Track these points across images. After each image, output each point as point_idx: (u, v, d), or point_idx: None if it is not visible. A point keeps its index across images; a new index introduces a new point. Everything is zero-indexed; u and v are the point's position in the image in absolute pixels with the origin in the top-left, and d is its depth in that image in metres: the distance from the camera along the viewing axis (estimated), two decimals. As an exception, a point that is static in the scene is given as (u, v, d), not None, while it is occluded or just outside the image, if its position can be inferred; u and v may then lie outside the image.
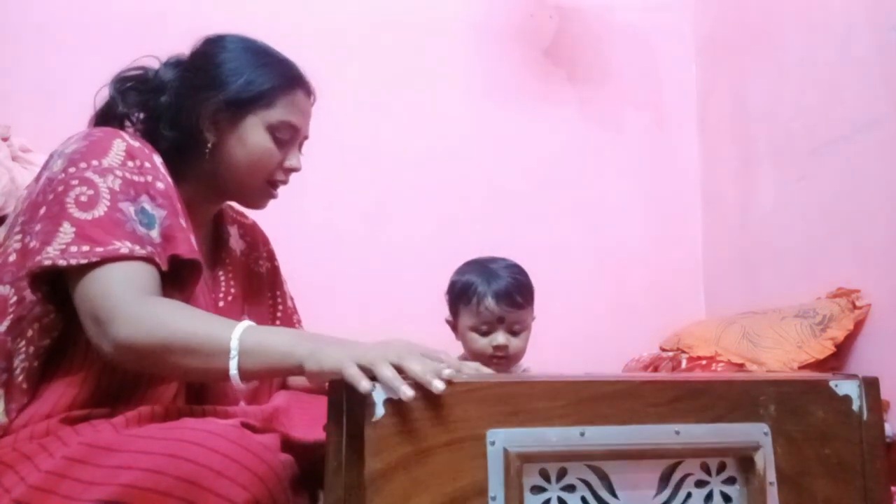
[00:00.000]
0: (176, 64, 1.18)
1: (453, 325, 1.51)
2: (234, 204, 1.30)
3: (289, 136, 1.17)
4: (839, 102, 1.87)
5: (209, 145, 1.13)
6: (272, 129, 1.14)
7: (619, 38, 2.46)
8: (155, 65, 1.19)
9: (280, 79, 1.16)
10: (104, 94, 1.16)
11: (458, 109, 2.26)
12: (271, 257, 1.36)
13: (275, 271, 1.35)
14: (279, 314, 1.33)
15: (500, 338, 1.42)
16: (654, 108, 2.47)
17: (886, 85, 1.73)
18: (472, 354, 1.44)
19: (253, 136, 1.13)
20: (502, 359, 1.44)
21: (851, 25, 1.84)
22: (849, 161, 1.83)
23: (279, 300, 1.34)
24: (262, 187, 1.17)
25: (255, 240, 1.34)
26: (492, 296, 1.42)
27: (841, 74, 1.87)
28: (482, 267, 1.48)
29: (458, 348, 1.53)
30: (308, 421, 1.04)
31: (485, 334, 1.43)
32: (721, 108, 2.38)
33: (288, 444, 0.95)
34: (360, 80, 2.16)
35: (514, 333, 1.44)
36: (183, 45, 1.20)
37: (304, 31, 2.06)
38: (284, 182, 1.20)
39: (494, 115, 2.29)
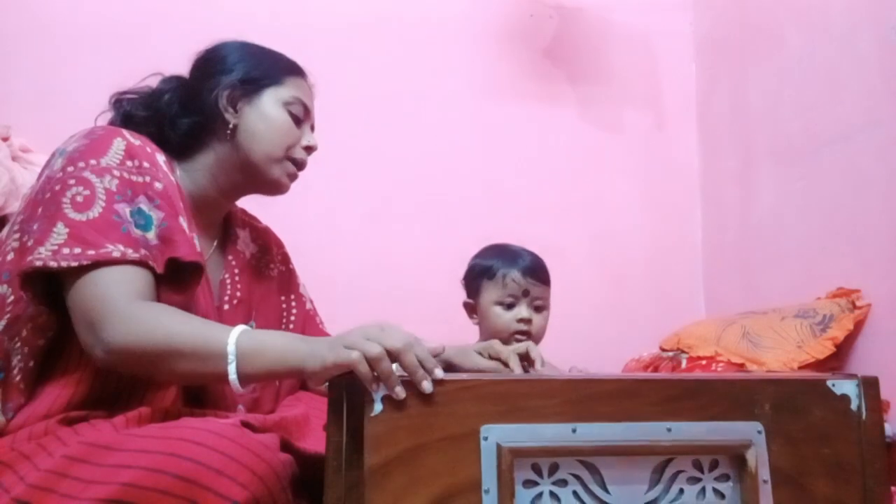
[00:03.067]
0: (177, 77, 1.21)
1: (472, 307, 1.51)
2: (247, 210, 1.31)
3: (302, 115, 1.20)
4: (839, 102, 1.87)
5: (230, 126, 1.14)
6: (287, 105, 1.18)
7: (619, 38, 2.46)
8: (153, 84, 1.21)
9: (284, 63, 1.22)
10: (107, 116, 1.18)
11: (457, 109, 2.26)
12: (285, 261, 1.35)
13: (289, 275, 1.35)
14: (293, 317, 1.31)
15: (524, 311, 1.44)
16: (654, 108, 2.47)
17: (886, 85, 1.73)
18: (494, 332, 1.44)
19: (272, 110, 1.17)
20: (525, 333, 1.44)
21: (851, 25, 1.84)
22: (849, 161, 1.83)
23: (293, 304, 1.33)
24: (285, 163, 1.18)
25: (268, 243, 1.33)
26: (518, 269, 1.46)
27: (841, 74, 1.87)
28: (502, 248, 1.52)
29: (467, 337, 1.52)
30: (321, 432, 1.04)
31: (509, 307, 1.45)
32: (721, 108, 2.38)
33: (295, 453, 0.94)
34: (359, 80, 2.16)
35: (536, 310, 1.47)
36: (183, 45, 1.21)
37: (303, 32, 2.06)
38: (304, 162, 1.21)
39: (494, 114, 2.29)
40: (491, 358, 1.23)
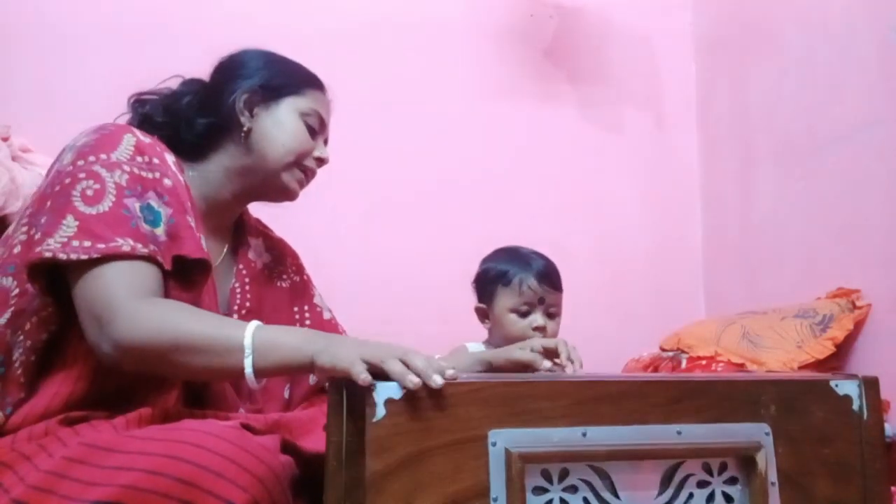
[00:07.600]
0: (198, 80, 1.22)
1: (484, 312, 1.50)
2: (262, 220, 1.31)
3: (318, 127, 1.21)
4: (839, 102, 1.87)
5: (244, 129, 1.15)
6: (304, 116, 1.18)
7: (619, 38, 2.46)
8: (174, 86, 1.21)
9: (305, 75, 1.22)
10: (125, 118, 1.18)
11: (458, 109, 2.25)
12: (300, 271, 1.34)
13: (303, 285, 1.33)
14: (306, 327, 1.30)
15: (539, 319, 1.43)
16: (654, 108, 2.47)
17: (886, 85, 1.73)
18: (508, 339, 1.42)
19: (288, 118, 1.17)
20: None
21: (851, 25, 1.84)
22: (849, 161, 1.83)
23: (307, 313, 1.32)
24: (295, 171, 1.19)
25: (283, 254, 1.33)
26: (534, 275, 1.44)
27: (841, 74, 1.87)
28: (514, 252, 1.51)
29: (467, 337, 1.51)
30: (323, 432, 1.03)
31: (524, 315, 1.44)
32: (721, 108, 2.38)
33: (295, 452, 0.93)
34: (360, 81, 2.15)
35: (550, 316, 1.46)
36: (183, 45, 1.21)
37: (303, 32, 2.06)
38: (314, 171, 1.22)
39: (494, 114, 2.29)
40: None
